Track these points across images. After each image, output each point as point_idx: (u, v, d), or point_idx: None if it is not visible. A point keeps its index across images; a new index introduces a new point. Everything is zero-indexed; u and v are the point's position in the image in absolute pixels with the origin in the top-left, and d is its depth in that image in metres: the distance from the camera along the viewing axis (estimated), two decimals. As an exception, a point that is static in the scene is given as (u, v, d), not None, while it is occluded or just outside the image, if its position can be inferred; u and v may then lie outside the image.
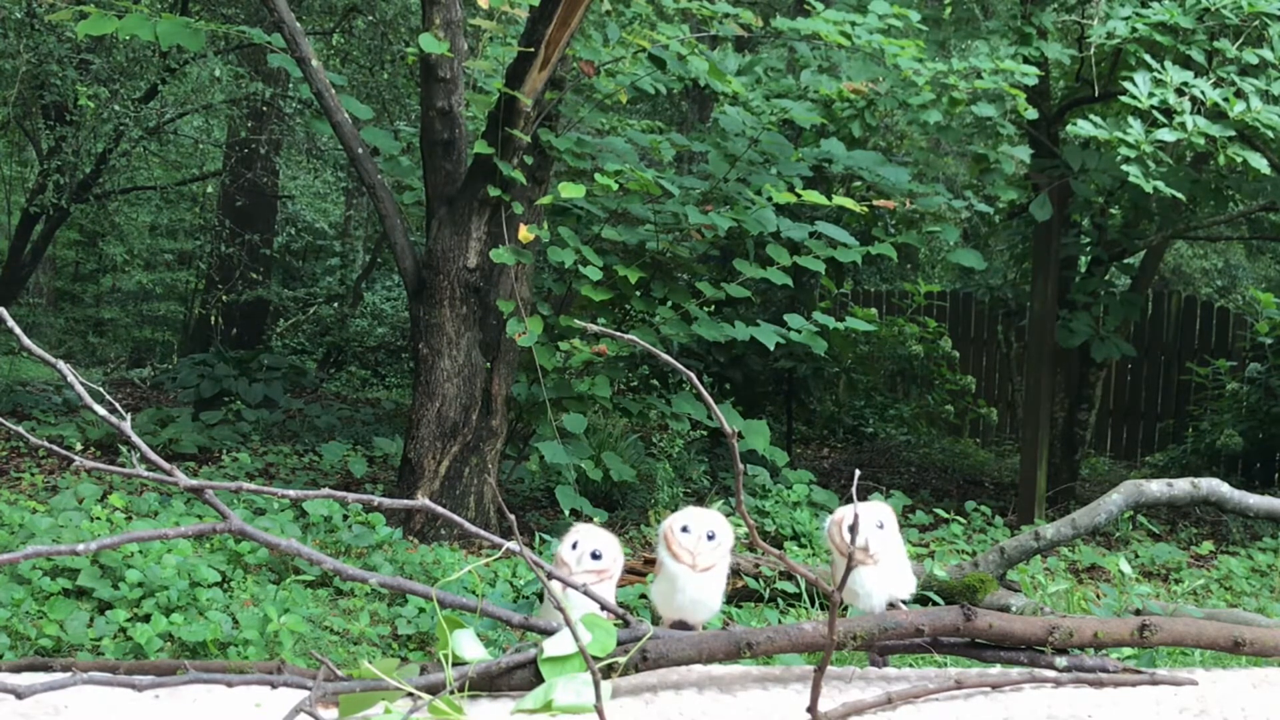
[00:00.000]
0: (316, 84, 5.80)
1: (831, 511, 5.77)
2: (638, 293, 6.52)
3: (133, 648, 3.82)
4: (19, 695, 1.85)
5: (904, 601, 2.62)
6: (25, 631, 3.86)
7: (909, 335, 9.92)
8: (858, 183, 7.75)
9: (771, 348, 6.31)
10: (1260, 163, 6.15)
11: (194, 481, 2.06)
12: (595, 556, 2.41)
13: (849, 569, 1.91)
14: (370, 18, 10.50)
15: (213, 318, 12.62)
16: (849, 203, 6.21)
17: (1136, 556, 6.17)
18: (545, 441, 5.93)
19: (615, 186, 5.78)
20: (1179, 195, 6.40)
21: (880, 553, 2.49)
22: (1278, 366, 8.91)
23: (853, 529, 2.46)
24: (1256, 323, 9.44)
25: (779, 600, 4.77)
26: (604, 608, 2.28)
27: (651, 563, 4.63)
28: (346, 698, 1.97)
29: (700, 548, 2.44)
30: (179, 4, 9.94)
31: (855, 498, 2.00)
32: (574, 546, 2.43)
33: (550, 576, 2.27)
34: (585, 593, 2.28)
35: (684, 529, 2.46)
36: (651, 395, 7.05)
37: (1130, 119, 6.14)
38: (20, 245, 10.63)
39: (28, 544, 4.52)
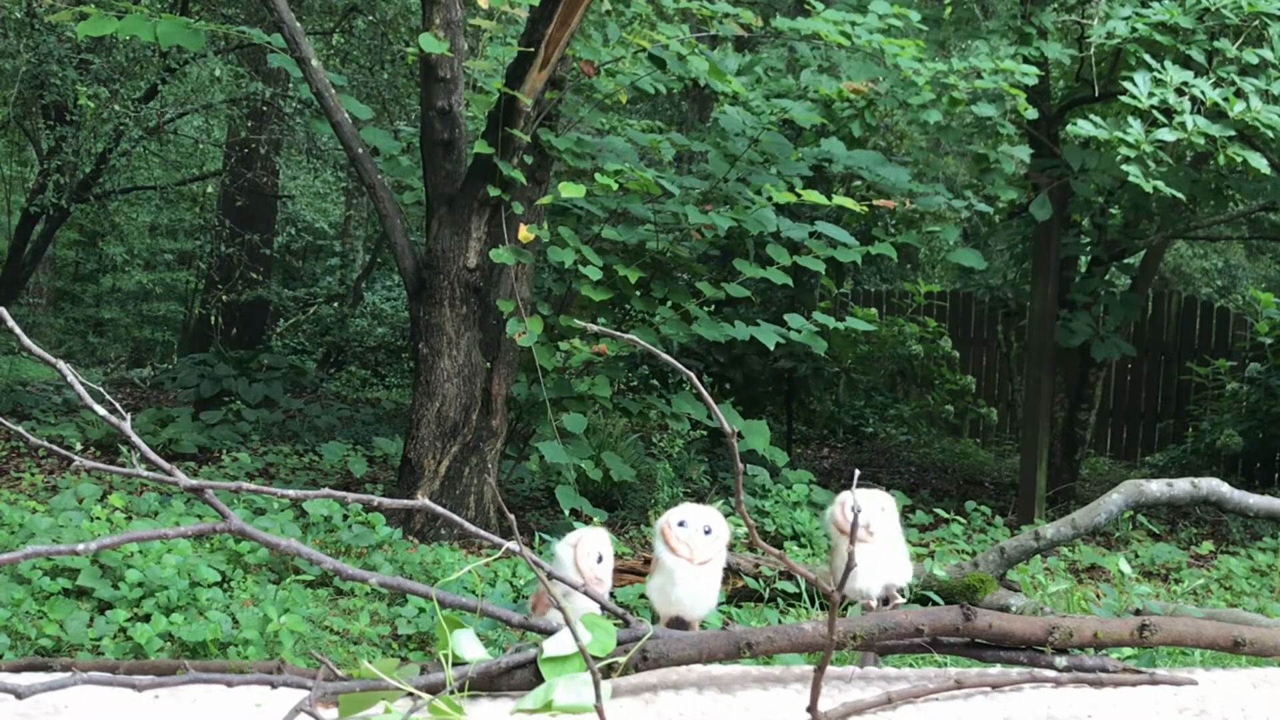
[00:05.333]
0: (316, 84, 5.80)
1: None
2: (638, 293, 6.52)
3: (133, 648, 3.82)
4: (19, 695, 1.85)
5: (900, 591, 2.65)
6: (25, 631, 3.86)
7: (909, 335, 9.92)
8: (858, 183, 7.75)
9: (771, 348, 6.30)
10: (1260, 163, 6.15)
11: (194, 481, 2.06)
12: (599, 560, 2.43)
13: (849, 567, 1.91)
14: (370, 18, 10.50)
15: (213, 318, 12.62)
16: (849, 203, 6.20)
17: (1136, 556, 6.17)
18: (545, 441, 5.93)
19: (615, 186, 5.78)
20: (1179, 195, 6.40)
21: (880, 533, 2.53)
22: (1278, 366, 8.91)
23: (853, 528, 2.46)
24: (1256, 323, 9.44)
25: (779, 600, 4.77)
26: (604, 608, 2.28)
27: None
28: (346, 698, 1.97)
29: (697, 541, 2.45)
30: (179, 4, 9.94)
31: (855, 496, 2.00)
32: (596, 558, 2.43)
33: (550, 577, 2.27)
34: (586, 593, 2.28)
35: (681, 523, 2.48)
36: (651, 395, 7.04)
37: (1130, 119, 6.14)
38: (20, 245, 10.63)
39: (28, 544, 4.53)
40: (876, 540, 2.55)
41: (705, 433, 7.83)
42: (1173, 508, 7.39)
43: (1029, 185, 7.11)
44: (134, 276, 14.58)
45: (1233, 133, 6.14)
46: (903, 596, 2.68)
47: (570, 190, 5.52)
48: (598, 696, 1.86)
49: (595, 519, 5.55)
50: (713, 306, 6.84)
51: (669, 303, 6.57)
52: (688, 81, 6.73)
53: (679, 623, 2.49)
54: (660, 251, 6.56)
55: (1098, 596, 5.15)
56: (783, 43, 9.07)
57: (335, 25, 11.10)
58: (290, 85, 10.60)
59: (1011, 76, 6.46)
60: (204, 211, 14.24)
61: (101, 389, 2.24)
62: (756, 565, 4.87)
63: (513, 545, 2.05)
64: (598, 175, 5.80)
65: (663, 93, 6.93)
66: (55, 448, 2.15)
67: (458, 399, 5.82)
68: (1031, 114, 6.79)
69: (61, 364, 2.09)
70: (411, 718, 1.93)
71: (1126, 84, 6.24)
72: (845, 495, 2.60)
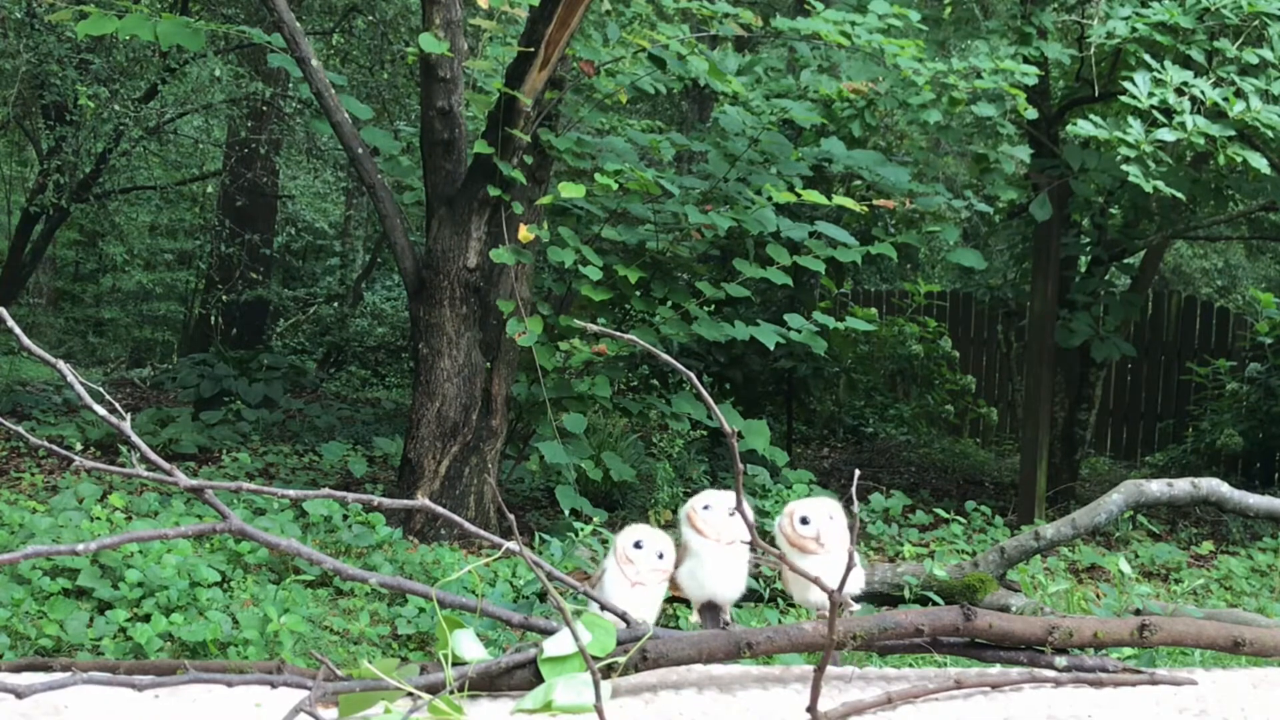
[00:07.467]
0: (316, 84, 5.80)
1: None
2: (638, 293, 6.52)
3: (133, 648, 3.82)
4: (19, 695, 1.85)
5: (853, 597, 2.66)
6: (25, 631, 3.86)
7: (909, 335, 9.92)
8: (858, 182, 7.75)
9: (771, 348, 6.30)
10: (1260, 163, 6.15)
11: (194, 481, 2.06)
12: (660, 557, 2.44)
13: (849, 566, 1.91)
14: (370, 18, 10.51)
15: (213, 318, 12.62)
16: (849, 203, 6.20)
17: (1136, 556, 6.17)
18: (545, 441, 5.93)
19: (615, 186, 5.78)
20: (1179, 195, 6.40)
21: (830, 543, 2.54)
22: (1278, 366, 8.91)
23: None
24: (1256, 323, 9.44)
25: (779, 600, 4.77)
26: (604, 608, 2.29)
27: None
28: (346, 698, 1.97)
29: (723, 523, 2.48)
30: (179, 4, 9.94)
31: (855, 498, 2.00)
32: (638, 545, 2.45)
33: (550, 577, 2.27)
34: (585, 594, 2.29)
35: (705, 507, 2.50)
36: (651, 395, 7.04)
37: (1130, 119, 6.14)
38: (20, 245, 10.63)
39: (28, 544, 4.53)
40: (827, 550, 2.56)
41: (705, 433, 7.83)
42: (1173, 508, 7.39)
43: (1029, 185, 7.11)
44: (134, 276, 14.57)
45: (1233, 133, 6.13)
46: (855, 603, 2.69)
47: (570, 190, 5.52)
48: (598, 696, 1.86)
49: (595, 519, 5.55)
50: (713, 306, 6.84)
51: (669, 303, 6.57)
52: (688, 81, 6.73)
53: (711, 608, 2.51)
54: (660, 251, 6.55)
55: (1098, 596, 5.15)
56: (783, 43, 9.07)
57: (335, 25, 11.11)
58: (290, 85, 10.61)
59: (1011, 76, 6.46)
60: (204, 211, 14.24)
61: (101, 389, 2.24)
62: (756, 565, 4.87)
63: (513, 545, 2.05)
64: (598, 175, 5.79)
65: (663, 93, 6.92)
66: (55, 448, 2.15)
67: (458, 399, 5.81)
68: (1031, 114, 6.79)
69: (61, 364, 2.09)
70: (411, 718, 1.93)
71: (1126, 84, 6.24)
72: (793, 505, 2.63)
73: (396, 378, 12.84)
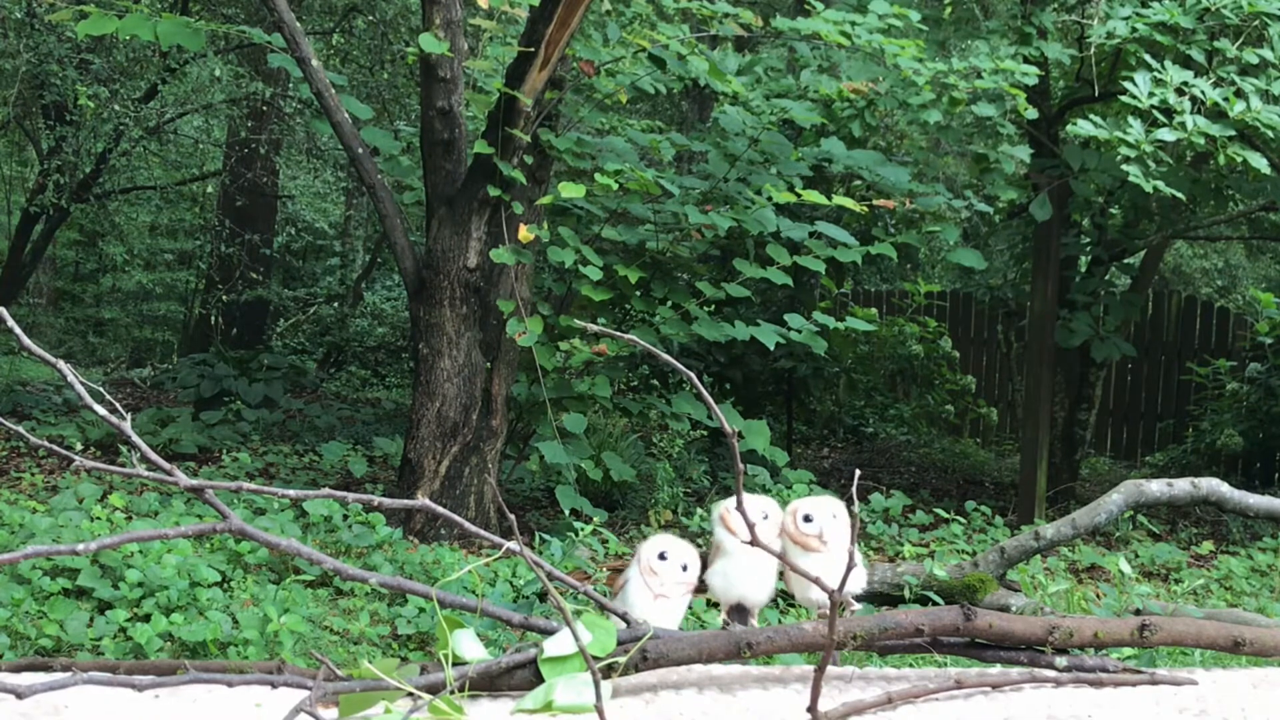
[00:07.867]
0: (316, 84, 5.80)
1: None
2: (638, 293, 6.52)
3: (133, 648, 3.82)
4: (19, 695, 1.85)
5: (853, 596, 2.67)
6: (25, 631, 3.86)
7: (909, 335, 9.92)
8: (858, 182, 7.75)
9: (771, 348, 6.30)
10: (1260, 163, 6.14)
11: (194, 481, 2.06)
12: (684, 569, 2.44)
13: (850, 566, 1.91)
14: (370, 18, 10.51)
15: (213, 318, 12.62)
16: (849, 203, 6.20)
17: (1136, 556, 6.17)
18: (545, 441, 5.93)
19: (615, 186, 5.77)
20: (1179, 195, 6.40)
21: (832, 541, 2.55)
22: (1278, 366, 8.91)
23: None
24: (1256, 323, 9.44)
25: (779, 600, 4.77)
26: (604, 608, 2.29)
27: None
28: (346, 698, 1.97)
29: (757, 525, 2.49)
30: (179, 4, 9.94)
31: (855, 498, 2.00)
32: (662, 556, 2.45)
33: (551, 577, 2.27)
34: (585, 594, 2.29)
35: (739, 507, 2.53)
36: (651, 395, 7.04)
37: (1130, 119, 6.14)
38: (20, 245, 10.63)
39: (28, 544, 4.53)
40: (830, 548, 2.56)
41: (705, 433, 7.83)
42: (1173, 508, 7.39)
43: (1029, 185, 7.11)
44: (134, 276, 14.58)
45: (1233, 133, 6.13)
46: (856, 603, 2.69)
47: (570, 190, 5.52)
48: (598, 696, 1.86)
49: (595, 519, 5.55)
50: (713, 306, 6.84)
51: (669, 303, 6.57)
52: (688, 81, 6.73)
53: (740, 609, 2.52)
54: (660, 251, 6.56)
55: (1098, 596, 5.15)
56: (783, 43, 9.07)
57: (335, 25, 11.11)
58: (290, 85, 10.61)
59: (1011, 76, 6.46)
60: (204, 211, 14.25)
61: (101, 389, 2.24)
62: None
63: (513, 545, 2.05)
64: (598, 175, 5.79)
65: (663, 93, 6.92)
66: (55, 448, 2.15)
67: (458, 399, 5.82)
68: (1031, 114, 6.79)
69: (61, 364, 2.09)
70: (411, 718, 1.93)
71: (1126, 84, 6.24)
72: (796, 503, 2.65)
73: (396, 378, 12.84)
